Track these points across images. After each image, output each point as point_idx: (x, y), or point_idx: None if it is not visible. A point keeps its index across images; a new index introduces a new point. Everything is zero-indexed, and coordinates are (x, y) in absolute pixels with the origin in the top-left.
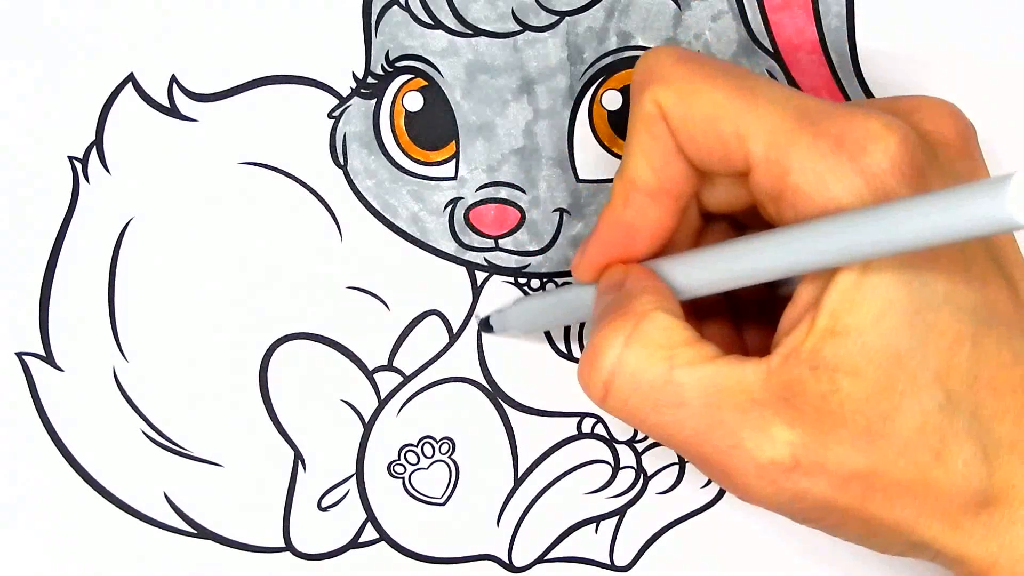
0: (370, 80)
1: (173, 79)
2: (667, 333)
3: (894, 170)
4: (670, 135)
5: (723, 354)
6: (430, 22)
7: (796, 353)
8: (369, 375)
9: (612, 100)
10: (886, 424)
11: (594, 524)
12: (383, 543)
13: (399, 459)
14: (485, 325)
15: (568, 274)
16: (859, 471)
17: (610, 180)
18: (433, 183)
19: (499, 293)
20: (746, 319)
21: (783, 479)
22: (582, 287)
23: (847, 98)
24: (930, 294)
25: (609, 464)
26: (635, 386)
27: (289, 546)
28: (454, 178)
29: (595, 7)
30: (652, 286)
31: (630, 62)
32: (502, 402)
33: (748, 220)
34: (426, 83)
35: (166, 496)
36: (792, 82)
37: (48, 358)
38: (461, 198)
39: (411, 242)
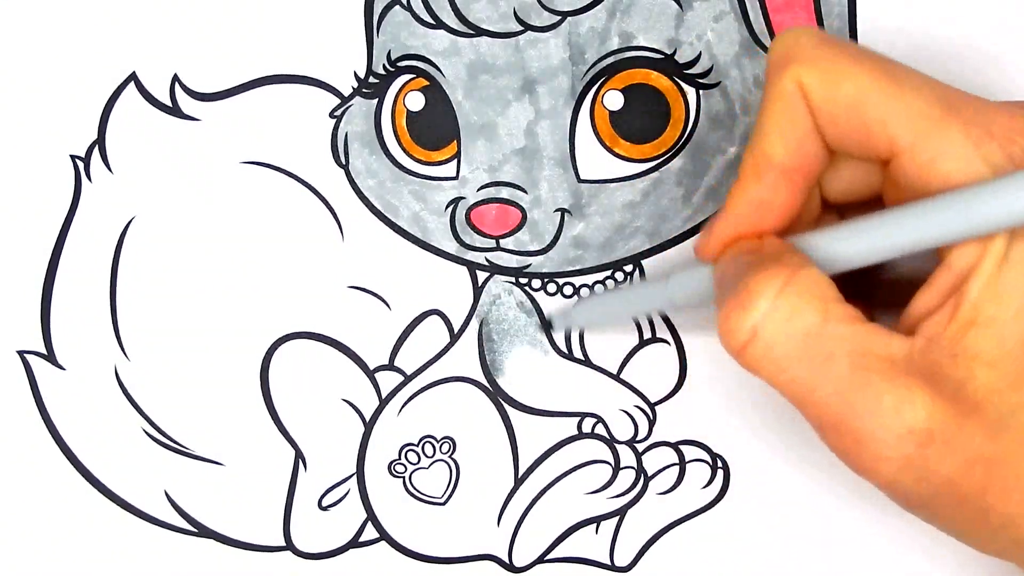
0: (372, 80)
1: (175, 78)
2: (821, 287)
3: None
4: (809, 115)
5: (869, 320)
6: (432, 22)
7: (937, 338)
8: (370, 374)
9: (614, 100)
10: (1015, 416)
11: (594, 524)
12: (383, 543)
13: (400, 458)
14: (548, 324)
15: (568, 274)
16: (985, 457)
17: (611, 180)
18: (434, 183)
19: (499, 293)
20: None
21: (916, 452)
22: (649, 285)
23: None
24: None
25: (609, 464)
26: (787, 334)
27: (289, 545)
28: (455, 178)
29: (597, 7)
30: (792, 247)
31: (632, 62)
32: (502, 402)
33: (855, 213)
34: (428, 83)
35: (167, 495)
36: None
37: (50, 356)
38: (462, 198)
39: (412, 242)
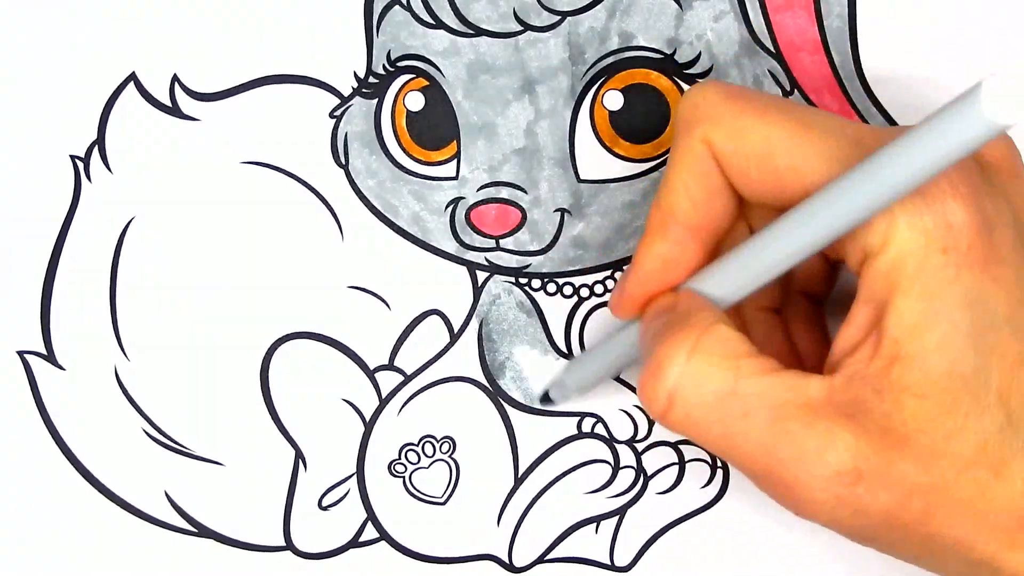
0: (371, 80)
1: (175, 78)
2: (730, 345)
3: (954, 193)
4: (718, 171)
5: (784, 368)
6: (432, 22)
7: (860, 375)
8: (370, 374)
9: (613, 100)
10: (949, 443)
11: (594, 524)
12: (383, 542)
13: (400, 458)
14: (545, 399)
15: (568, 274)
16: (921, 486)
17: (611, 180)
18: (434, 183)
19: (499, 293)
20: (793, 319)
21: (846, 492)
22: (626, 330)
23: (848, 98)
24: (991, 316)
25: (609, 464)
26: (700, 398)
27: (289, 545)
28: (455, 178)
29: (597, 7)
30: (704, 303)
31: (632, 62)
32: (502, 402)
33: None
34: (427, 83)
35: (167, 495)
36: (793, 82)
37: (49, 356)
38: (462, 198)
39: (412, 242)
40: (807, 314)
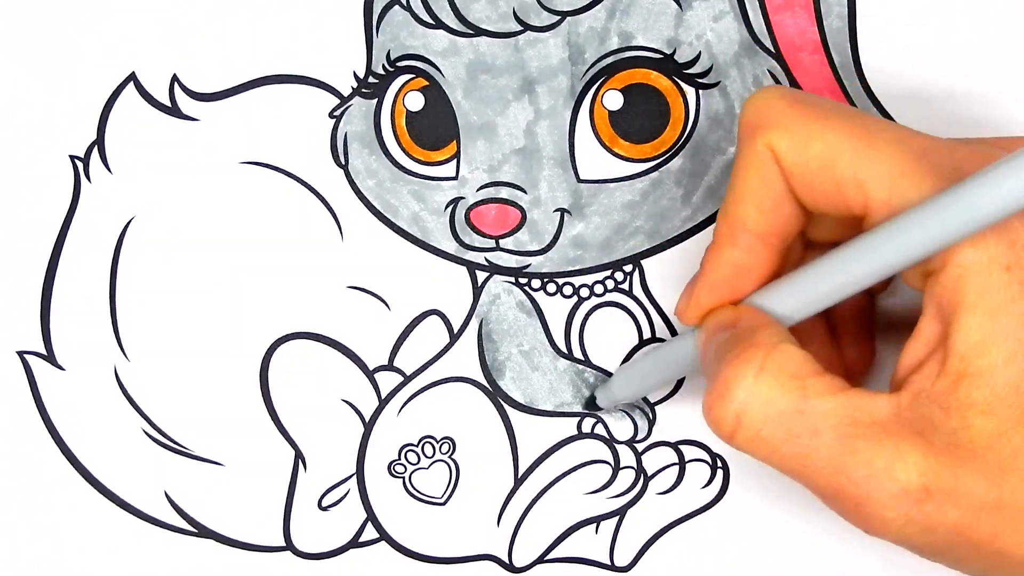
0: (371, 80)
1: (174, 78)
2: (797, 364)
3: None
4: (782, 178)
5: (850, 387)
6: (431, 22)
7: (927, 393)
8: (369, 375)
9: (613, 100)
10: (1016, 459)
11: (594, 524)
12: (383, 543)
13: (399, 459)
14: (591, 404)
15: (568, 274)
16: (990, 502)
17: (611, 180)
18: (434, 183)
19: (499, 293)
20: (842, 334)
21: (915, 509)
22: (678, 342)
23: (848, 98)
24: None
25: (609, 464)
26: (768, 417)
27: (289, 545)
28: (455, 178)
29: (596, 7)
30: (768, 321)
31: (632, 62)
32: (502, 402)
33: None
34: (427, 83)
35: (167, 495)
36: (793, 83)
37: (49, 357)
38: (462, 198)
39: (412, 242)
40: (856, 324)
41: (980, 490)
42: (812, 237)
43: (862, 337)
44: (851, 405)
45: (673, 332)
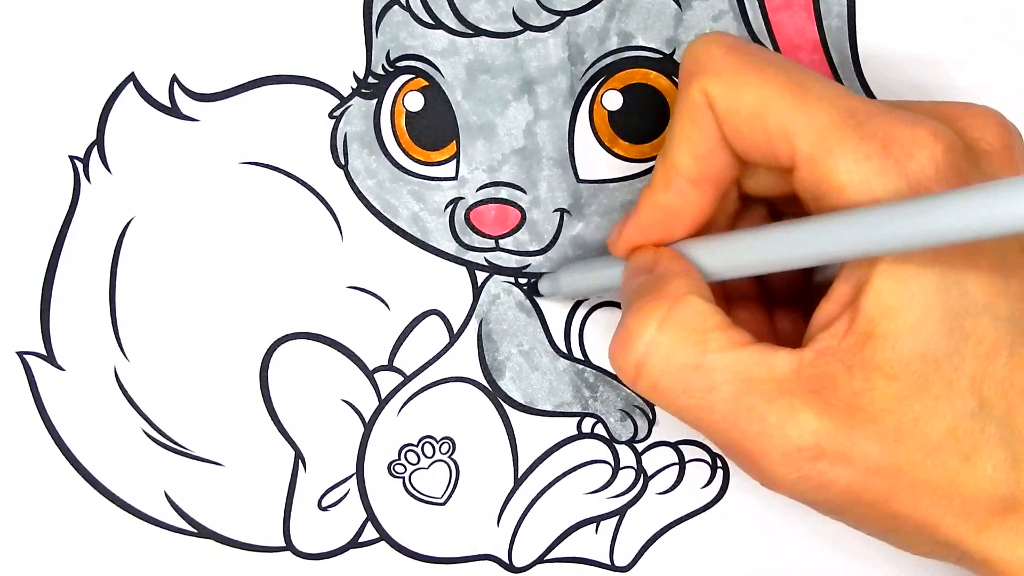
0: (371, 80)
1: (174, 79)
2: (700, 317)
3: (939, 177)
4: (716, 125)
5: (755, 341)
6: (431, 22)
7: (831, 350)
8: (369, 375)
9: (613, 100)
10: (917, 425)
11: (594, 524)
12: (383, 543)
13: (399, 459)
14: (534, 289)
15: None
16: (884, 466)
17: (610, 180)
18: (434, 183)
19: (499, 293)
20: (777, 304)
21: (808, 466)
22: (618, 264)
23: None
24: (969, 302)
25: (609, 464)
26: (666, 369)
27: (289, 545)
28: (455, 178)
29: (596, 7)
30: (684, 269)
31: (631, 62)
32: (502, 402)
33: (786, 206)
34: (427, 83)
35: (167, 495)
36: None
37: (49, 357)
38: (462, 198)
39: (412, 242)
40: (789, 294)
41: (875, 453)
42: (747, 190)
43: (795, 308)
44: (750, 360)
45: None
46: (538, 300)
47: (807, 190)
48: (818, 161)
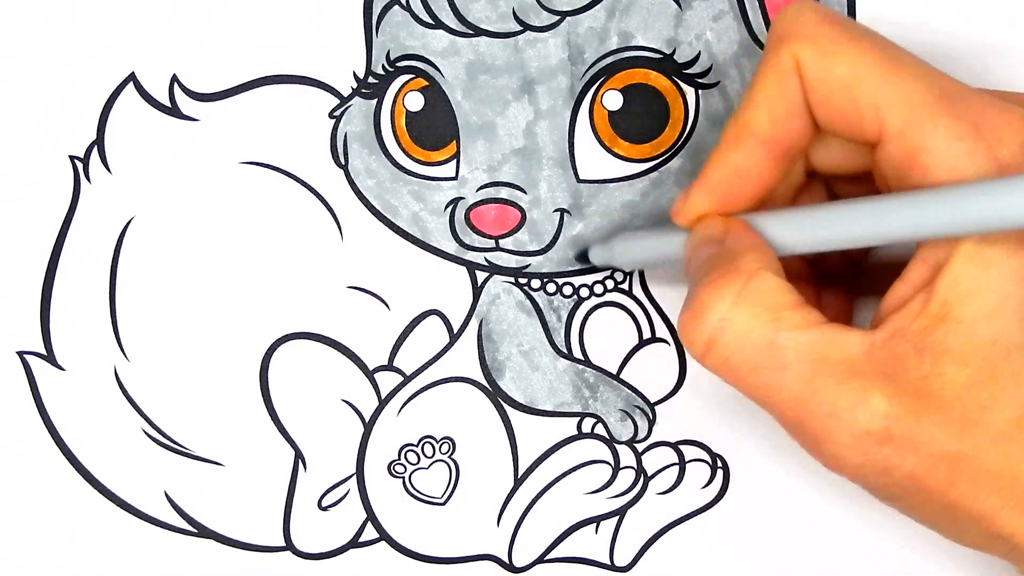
0: (371, 80)
1: (174, 79)
2: (774, 295)
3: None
4: (800, 91)
5: (826, 321)
6: (431, 22)
7: (903, 332)
8: (369, 375)
9: (613, 100)
10: (983, 414)
11: (594, 524)
12: (383, 543)
13: (399, 459)
14: (582, 257)
15: (567, 274)
16: (949, 454)
17: (610, 180)
18: (434, 183)
19: (499, 293)
20: (825, 283)
21: (874, 450)
22: (679, 235)
23: None
24: None
25: (609, 464)
26: (739, 346)
27: (289, 545)
28: (455, 178)
29: (596, 7)
30: (756, 243)
31: (631, 62)
32: (502, 402)
33: (846, 186)
34: (427, 83)
35: (167, 495)
36: None
37: (49, 357)
38: (462, 198)
39: (412, 242)
40: (839, 277)
41: (941, 440)
42: (815, 163)
43: (842, 291)
44: (823, 340)
45: (673, 332)
46: (536, 298)
47: (891, 166)
48: (908, 137)
